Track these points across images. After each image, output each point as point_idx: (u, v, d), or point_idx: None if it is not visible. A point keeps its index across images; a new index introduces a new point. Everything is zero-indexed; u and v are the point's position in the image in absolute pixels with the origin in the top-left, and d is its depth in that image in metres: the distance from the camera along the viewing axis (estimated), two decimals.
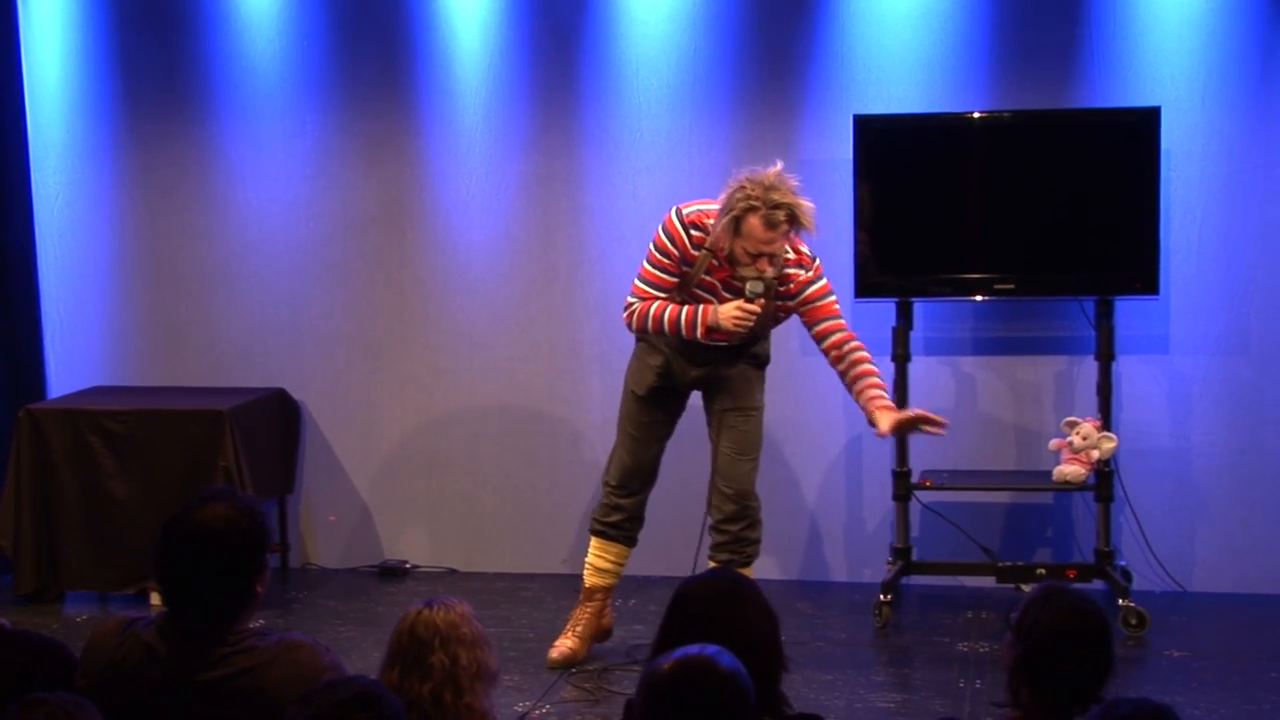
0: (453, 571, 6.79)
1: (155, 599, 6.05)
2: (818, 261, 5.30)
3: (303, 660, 3.13)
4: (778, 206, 5.01)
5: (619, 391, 6.64)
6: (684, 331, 5.27)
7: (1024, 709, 3.09)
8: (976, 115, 6.09)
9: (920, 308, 6.22)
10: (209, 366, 6.95)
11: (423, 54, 6.68)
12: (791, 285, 5.26)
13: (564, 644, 5.53)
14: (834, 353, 5.31)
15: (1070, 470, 5.91)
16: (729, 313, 5.20)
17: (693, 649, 2.67)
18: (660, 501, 6.64)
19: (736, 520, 5.39)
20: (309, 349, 6.89)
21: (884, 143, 6.05)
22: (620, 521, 5.60)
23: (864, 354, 5.28)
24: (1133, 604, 5.78)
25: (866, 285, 6.06)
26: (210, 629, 3.14)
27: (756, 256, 5.11)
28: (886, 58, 6.34)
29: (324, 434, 6.91)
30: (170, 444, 6.28)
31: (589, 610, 5.59)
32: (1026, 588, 5.73)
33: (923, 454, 6.23)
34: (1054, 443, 6.00)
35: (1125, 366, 6.20)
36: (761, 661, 2.90)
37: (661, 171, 6.54)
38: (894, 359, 6.08)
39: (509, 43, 6.61)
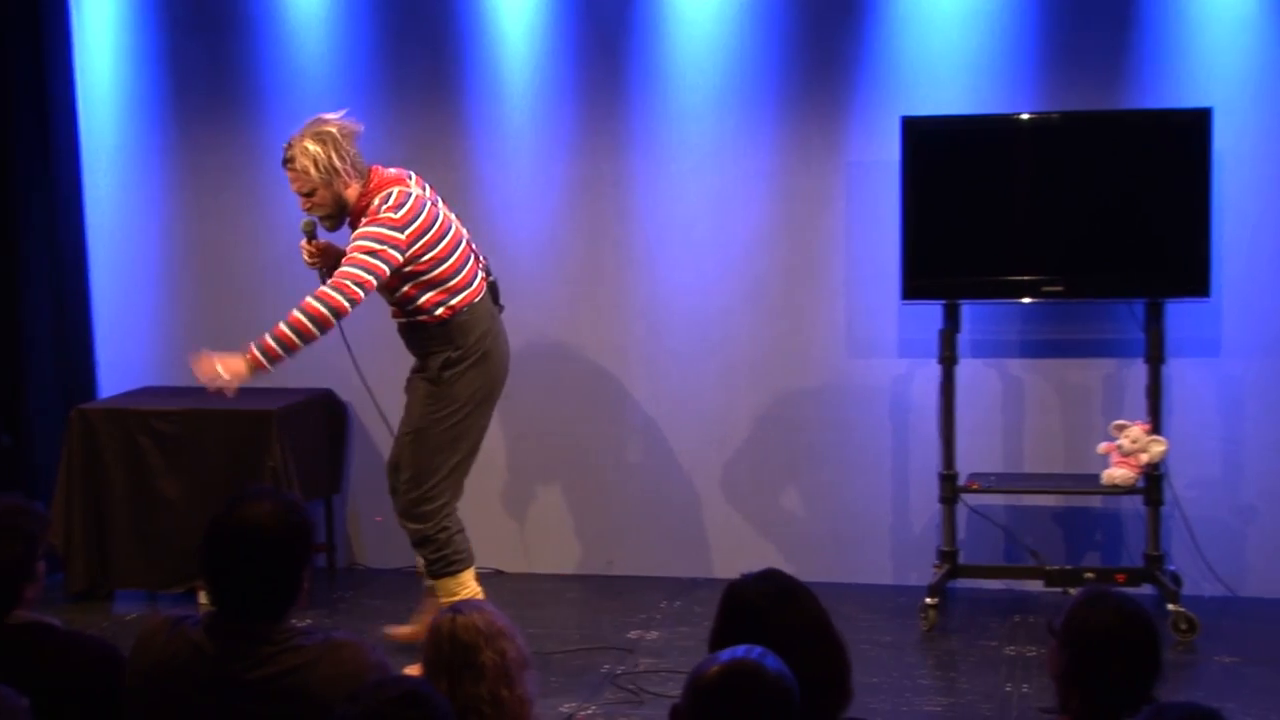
0: (498, 572, 6.79)
1: (203, 598, 6.07)
2: (380, 216, 5.12)
3: (348, 659, 3.14)
4: (286, 149, 5.21)
5: (665, 393, 6.68)
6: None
7: (1074, 715, 3.06)
8: (1025, 117, 6.06)
9: (967, 310, 6.19)
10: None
11: (469, 57, 6.70)
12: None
13: (406, 628, 5.63)
14: None
15: (1119, 473, 5.87)
16: (303, 255, 5.42)
17: (739, 651, 2.67)
18: (702, 505, 6.66)
19: (419, 546, 5.39)
20: (356, 349, 6.90)
21: (931, 145, 6.02)
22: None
23: (310, 298, 5.06)
24: (1182, 609, 5.74)
25: (913, 287, 6.04)
26: (257, 627, 3.15)
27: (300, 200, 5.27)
28: (934, 59, 6.32)
29: (370, 435, 6.93)
30: (219, 444, 6.32)
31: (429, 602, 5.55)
32: (1074, 592, 5.70)
33: (970, 457, 6.21)
34: (1103, 446, 5.96)
35: (1175, 369, 6.15)
36: (820, 659, 2.90)
37: (707, 174, 6.54)
38: (941, 361, 6.05)
39: (555, 45, 6.62)
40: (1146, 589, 5.90)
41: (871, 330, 6.48)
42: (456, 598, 5.29)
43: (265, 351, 5.06)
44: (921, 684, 5.41)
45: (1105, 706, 3.01)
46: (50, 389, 6.95)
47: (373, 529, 6.97)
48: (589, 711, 5.10)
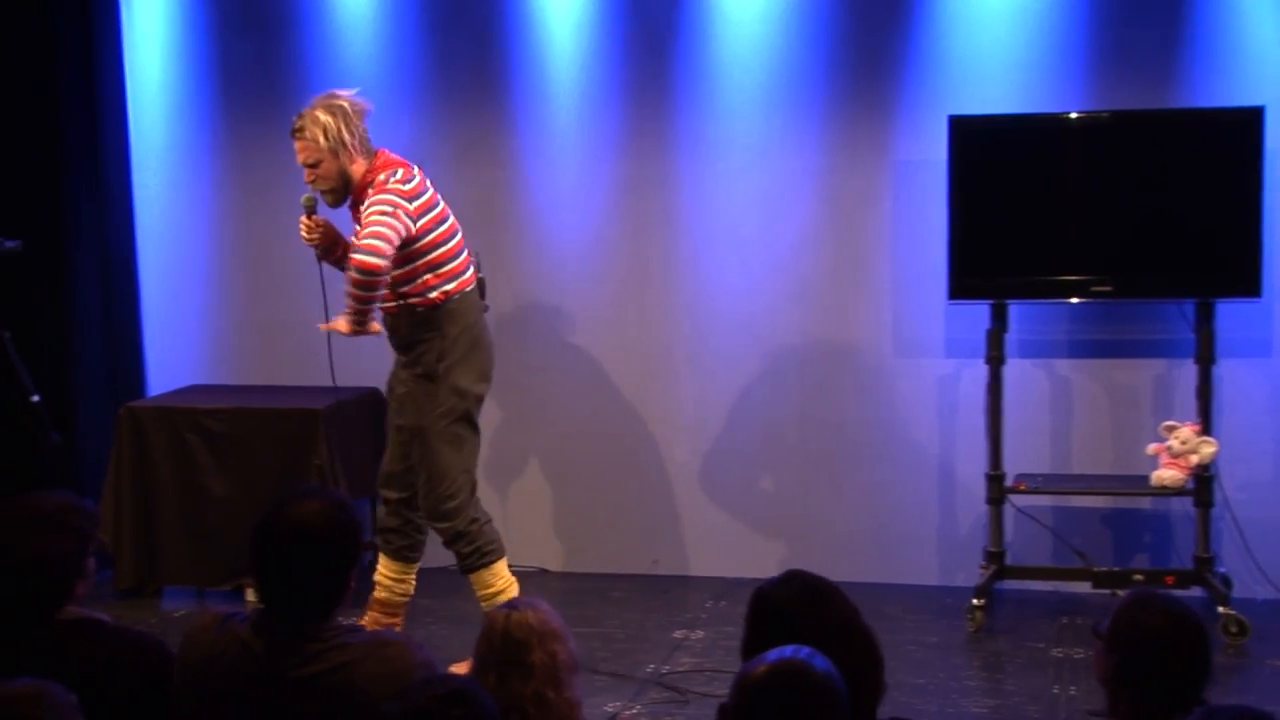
0: (543, 571, 6.81)
1: (251, 595, 6.12)
2: (380, 195, 5.12)
3: (395, 657, 3.14)
4: (297, 119, 5.23)
5: (711, 393, 6.67)
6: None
7: (1123, 719, 3.04)
8: (1074, 116, 6.02)
9: (1015, 310, 6.15)
10: (304, 366, 7.00)
11: (516, 56, 6.71)
12: (362, 210, 5.21)
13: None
14: None
15: (1169, 475, 5.83)
16: (300, 230, 5.38)
17: (786, 651, 2.66)
18: (748, 504, 6.65)
19: (453, 544, 5.38)
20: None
21: (979, 144, 5.99)
22: (380, 531, 5.60)
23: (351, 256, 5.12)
24: (1233, 611, 5.69)
25: (961, 287, 6.01)
26: (304, 625, 3.16)
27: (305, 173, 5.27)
28: (982, 58, 6.29)
29: None
30: (266, 442, 6.35)
31: (365, 620, 5.53)
32: (1121, 594, 5.66)
33: (1017, 457, 6.17)
34: (1152, 447, 5.92)
35: (1226, 369, 6.10)
36: (857, 656, 2.88)
37: (754, 173, 6.53)
38: (988, 361, 6.03)
39: (602, 45, 6.62)
40: (1196, 591, 5.86)
41: (918, 330, 6.46)
42: (493, 589, 5.34)
43: (350, 317, 5.19)
44: (968, 685, 5.39)
45: (1155, 710, 2.98)
46: (100, 387, 7.00)
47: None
48: (634, 711, 5.10)
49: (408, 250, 5.16)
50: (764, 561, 6.50)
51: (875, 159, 6.43)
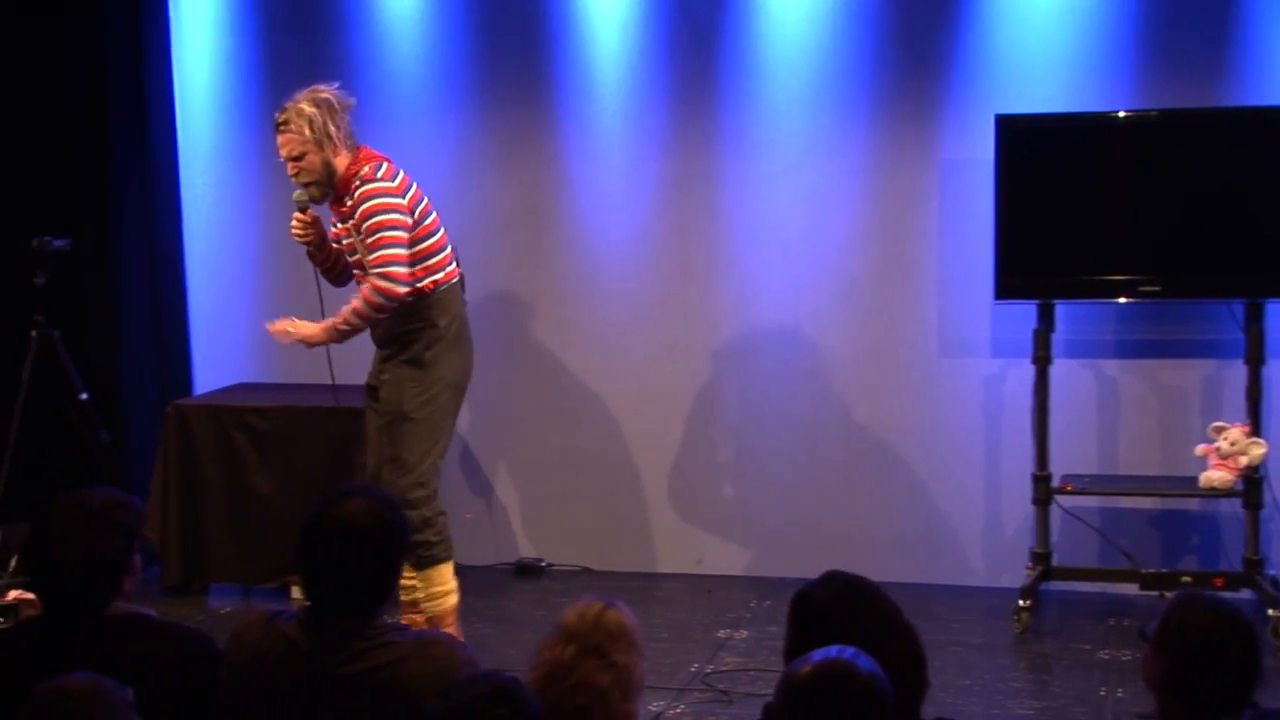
0: (587, 570, 6.81)
1: (296, 592, 6.14)
2: (369, 187, 5.13)
3: (439, 656, 3.15)
4: (281, 112, 5.21)
5: (755, 393, 6.67)
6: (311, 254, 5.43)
7: None
8: (1122, 114, 5.98)
9: (1062, 310, 6.12)
10: (351, 364, 7.02)
11: (562, 54, 6.71)
12: (348, 205, 5.20)
13: None
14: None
15: (1217, 476, 5.79)
16: (292, 227, 5.33)
17: (831, 651, 2.66)
18: (793, 504, 6.64)
19: (419, 531, 5.21)
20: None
21: (1027, 143, 5.96)
22: None
23: (365, 287, 5.16)
24: None
25: (1007, 287, 5.98)
26: (350, 623, 3.17)
27: (286, 163, 5.23)
28: (1029, 56, 6.26)
29: (460, 432, 6.97)
30: (311, 440, 6.38)
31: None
32: (1169, 596, 5.62)
33: (1064, 458, 6.14)
34: (1201, 448, 5.88)
35: (1276, 370, 6.05)
36: (899, 655, 2.87)
37: (800, 172, 6.51)
38: (1035, 361, 6.00)
39: (648, 43, 6.62)
40: (1245, 594, 5.81)
41: (964, 330, 6.44)
42: (445, 588, 5.29)
43: (346, 334, 5.24)
44: (1014, 687, 5.36)
45: (1205, 713, 2.95)
46: (147, 385, 7.05)
47: (462, 526, 6.99)
48: (678, 710, 5.10)
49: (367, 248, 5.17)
50: (809, 561, 6.44)
51: (922, 158, 6.41)
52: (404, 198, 5.17)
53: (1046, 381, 6.02)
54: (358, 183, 5.15)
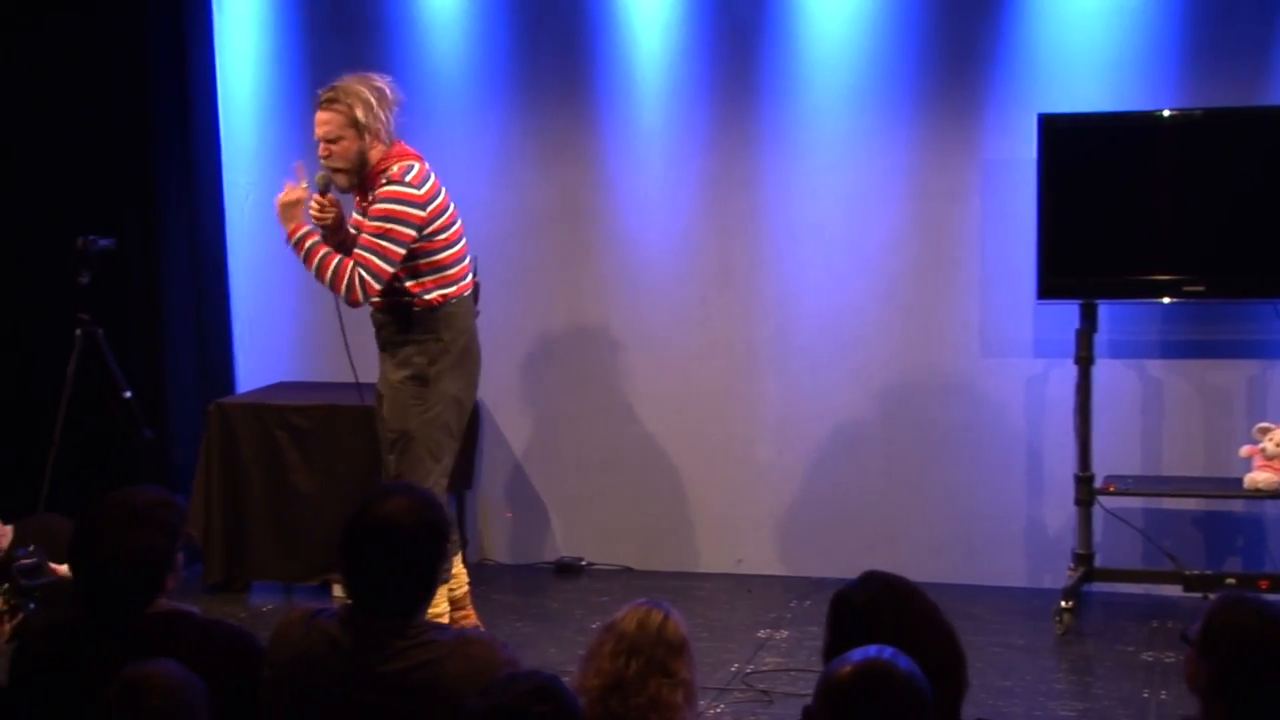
0: (627, 569, 6.81)
1: (337, 590, 6.16)
2: (394, 188, 5.03)
3: (480, 655, 3.15)
4: (329, 89, 5.08)
5: (795, 392, 6.66)
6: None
7: None
8: (1167, 113, 5.94)
9: (1105, 310, 6.08)
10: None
11: (603, 55, 6.72)
12: (371, 197, 5.09)
13: None
14: None
15: (1262, 477, 5.74)
16: (309, 207, 5.19)
17: (870, 651, 2.65)
18: (833, 504, 6.63)
19: None
20: (488, 346, 6.89)
21: (1070, 142, 5.93)
22: None
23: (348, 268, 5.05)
24: None
25: (1050, 286, 5.95)
26: (391, 621, 3.18)
27: (319, 144, 5.11)
28: (1073, 55, 6.22)
29: (501, 431, 6.98)
30: (353, 439, 6.39)
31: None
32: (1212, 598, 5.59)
33: (1107, 459, 6.11)
34: (1245, 449, 5.84)
35: None
36: (938, 656, 2.86)
37: (841, 171, 6.50)
38: (1077, 361, 5.96)
39: (688, 43, 6.62)
40: None
41: (1006, 330, 6.41)
42: (436, 609, 5.01)
43: (297, 250, 5.17)
44: (1056, 688, 5.34)
45: (1251, 716, 2.92)
46: (190, 384, 7.09)
47: (502, 525, 7.02)
48: (718, 710, 5.09)
49: (413, 248, 5.06)
50: (849, 561, 6.43)
51: (964, 157, 6.39)
52: (424, 209, 5.05)
53: (1089, 382, 5.98)
54: (384, 180, 5.04)
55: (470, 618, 5.42)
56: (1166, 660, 5.48)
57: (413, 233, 5.02)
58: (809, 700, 2.69)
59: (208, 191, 7.11)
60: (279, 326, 7.24)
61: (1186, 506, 6.27)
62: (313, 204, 5.22)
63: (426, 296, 5.12)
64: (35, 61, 6.95)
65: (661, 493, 6.86)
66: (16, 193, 7.02)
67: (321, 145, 5.12)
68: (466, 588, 5.48)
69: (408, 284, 5.12)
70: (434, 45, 6.91)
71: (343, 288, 5.06)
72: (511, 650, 3.25)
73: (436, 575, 3.25)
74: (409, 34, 6.92)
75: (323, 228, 5.23)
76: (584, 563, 6.86)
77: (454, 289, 5.18)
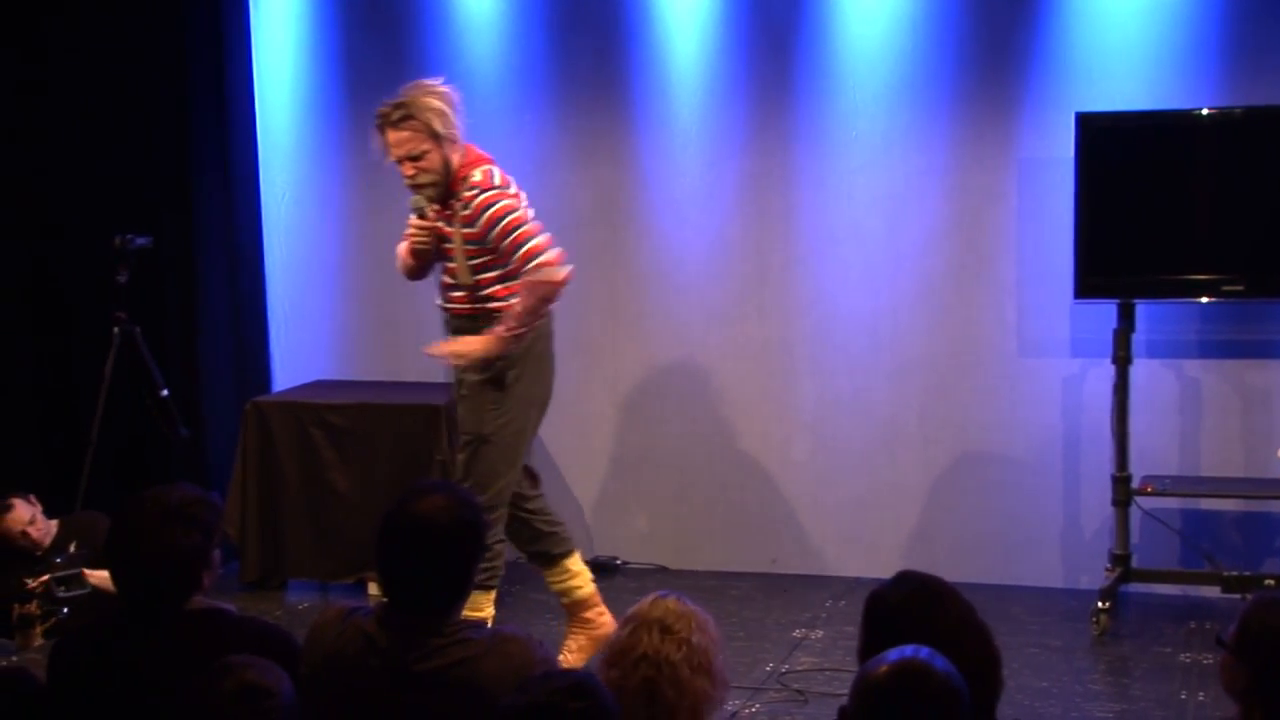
0: (662, 569, 6.81)
1: (373, 589, 6.18)
2: (493, 191, 5.00)
3: (515, 653, 3.16)
4: (397, 107, 4.98)
5: (831, 391, 6.64)
6: (405, 260, 5.22)
7: None
8: (1205, 112, 5.90)
9: (1143, 309, 6.05)
10: (427, 362, 7.04)
11: (639, 54, 6.72)
12: (469, 211, 5.00)
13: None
14: None
15: None
16: (409, 233, 5.12)
17: (907, 651, 2.64)
18: (869, 504, 6.61)
19: None
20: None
21: (1107, 141, 5.90)
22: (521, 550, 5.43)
23: (527, 280, 4.97)
24: None
25: (1088, 286, 5.92)
26: (427, 620, 3.19)
27: (400, 164, 5.03)
28: (1110, 53, 6.19)
29: (538, 430, 6.98)
30: (388, 437, 6.42)
31: (571, 623, 5.43)
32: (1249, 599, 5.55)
33: (1144, 459, 6.08)
34: None
35: None
36: (973, 655, 2.85)
37: (877, 170, 6.48)
38: (1115, 361, 5.93)
39: (725, 43, 6.61)
40: None
41: (1043, 329, 6.38)
42: (481, 614, 5.05)
43: (507, 339, 4.99)
44: (1093, 689, 5.31)
45: None
46: (227, 383, 7.12)
47: None
48: (753, 709, 5.09)
49: (492, 251, 5.03)
50: (885, 561, 6.44)
51: (1001, 156, 6.36)
52: (521, 204, 5.06)
53: (1127, 382, 5.95)
54: (474, 191, 4.99)
55: (604, 615, 5.36)
56: (1204, 662, 5.45)
57: (530, 214, 5.03)
58: (844, 700, 2.68)
59: (244, 190, 7.14)
60: (315, 325, 7.27)
61: (1224, 507, 6.23)
62: (410, 230, 5.15)
63: (511, 299, 5.05)
64: (73, 61, 6.99)
65: (696, 492, 6.86)
66: (55, 192, 7.06)
67: (405, 165, 5.03)
68: (592, 586, 5.41)
69: (495, 288, 5.07)
70: (471, 45, 6.92)
71: (542, 292, 5.01)
72: (547, 649, 3.25)
73: (472, 573, 3.25)
74: (446, 34, 6.94)
75: (420, 251, 5.16)
76: (619, 562, 6.86)
77: None
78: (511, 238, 4.98)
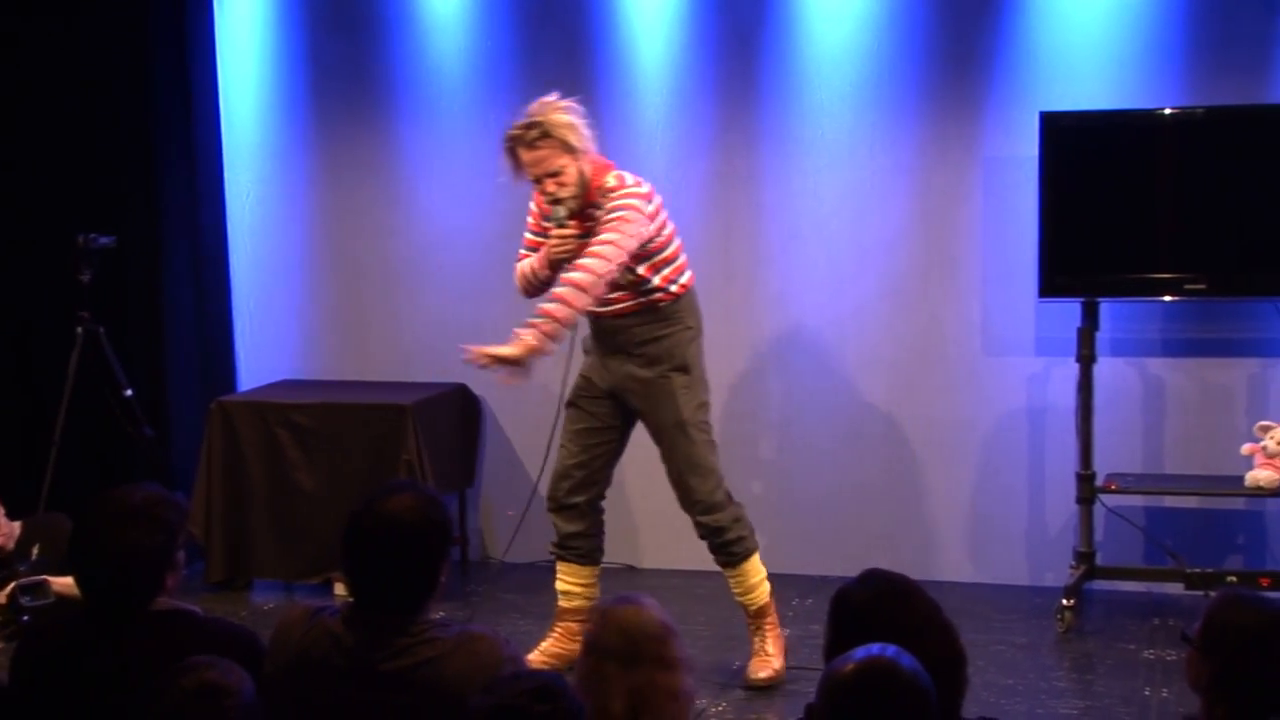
0: (630, 568, 6.81)
1: (339, 588, 6.17)
2: (627, 190, 5.06)
3: (483, 652, 3.16)
4: (530, 127, 5.03)
5: (797, 390, 6.65)
6: (539, 273, 5.21)
7: None
8: (1168, 112, 5.93)
9: (1107, 308, 6.08)
10: (393, 361, 7.06)
11: (604, 53, 6.71)
12: (596, 214, 5.08)
13: (532, 655, 5.36)
14: None
15: (1264, 475, 5.74)
16: (551, 242, 5.13)
17: (873, 649, 2.65)
18: (835, 502, 6.62)
19: (722, 534, 5.29)
20: (490, 344, 6.95)
21: (1071, 140, 5.92)
22: (558, 541, 5.48)
23: (573, 272, 4.97)
24: None
25: (1052, 285, 5.95)
26: (394, 619, 3.18)
27: (539, 182, 5.08)
28: (1074, 53, 6.22)
29: (504, 429, 6.98)
30: (355, 437, 6.40)
31: (556, 631, 5.49)
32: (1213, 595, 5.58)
33: (1108, 457, 6.11)
34: (1246, 447, 5.84)
35: None
36: (938, 654, 2.86)
37: (842, 169, 6.50)
38: (1079, 359, 5.96)
39: (690, 42, 6.61)
40: None
41: (1008, 328, 6.41)
42: (760, 577, 5.34)
43: (547, 331, 4.94)
44: (1058, 686, 5.34)
45: (1253, 714, 2.92)
46: (191, 382, 7.09)
47: (505, 523, 7.01)
48: (720, 708, 5.09)
49: (649, 248, 5.11)
50: (851, 560, 6.43)
51: (965, 155, 6.38)
52: (651, 204, 5.11)
53: (1091, 380, 5.98)
54: (608, 195, 5.05)
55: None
56: (1168, 658, 5.48)
57: (644, 232, 5.06)
58: (812, 698, 2.69)
59: (209, 189, 7.11)
60: (280, 324, 7.24)
61: (1188, 504, 6.27)
62: (553, 240, 5.14)
63: (672, 289, 5.19)
64: (37, 59, 6.95)
65: (663, 490, 6.81)
66: (18, 190, 7.02)
67: (545, 182, 5.08)
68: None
69: (655, 280, 5.17)
70: (435, 44, 6.91)
71: (604, 269, 4.97)
72: (515, 648, 3.25)
73: (439, 573, 3.24)
74: (411, 33, 6.92)
75: (560, 261, 5.14)
76: None
77: (688, 276, 5.27)
78: (606, 227, 5.00)
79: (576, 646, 5.10)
